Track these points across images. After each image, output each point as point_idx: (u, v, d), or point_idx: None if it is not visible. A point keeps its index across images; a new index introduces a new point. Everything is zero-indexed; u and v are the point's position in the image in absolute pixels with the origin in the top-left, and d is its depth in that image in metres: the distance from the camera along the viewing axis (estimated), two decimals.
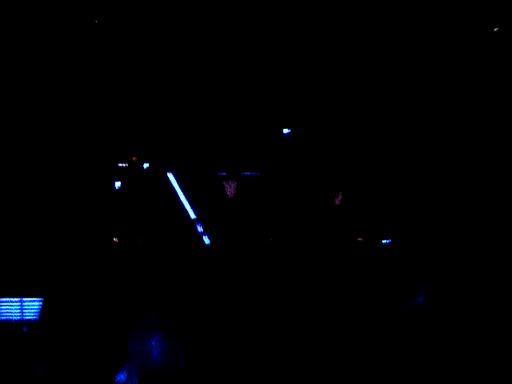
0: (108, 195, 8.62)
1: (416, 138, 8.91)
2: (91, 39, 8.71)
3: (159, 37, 8.95)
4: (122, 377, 6.80)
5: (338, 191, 8.57)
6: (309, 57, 9.04)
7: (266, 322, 7.71)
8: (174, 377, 7.04)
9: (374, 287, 8.13)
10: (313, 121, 9.10)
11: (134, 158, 8.86)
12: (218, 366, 7.21)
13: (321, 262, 8.31)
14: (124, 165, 8.81)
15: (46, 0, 8.41)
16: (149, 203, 8.71)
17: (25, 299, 7.68)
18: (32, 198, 8.28)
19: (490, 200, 8.48)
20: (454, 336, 7.59)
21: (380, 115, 9.03)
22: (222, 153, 9.00)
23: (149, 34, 8.90)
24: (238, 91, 9.12)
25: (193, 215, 8.67)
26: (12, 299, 7.66)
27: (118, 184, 8.70)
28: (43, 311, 7.73)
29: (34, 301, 7.70)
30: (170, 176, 8.74)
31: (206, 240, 8.45)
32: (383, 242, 8.51)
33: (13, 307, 7.64)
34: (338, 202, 8.53)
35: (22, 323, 7.62)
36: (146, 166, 8.88)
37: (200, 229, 8.44)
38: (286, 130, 9.04)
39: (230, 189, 8.47)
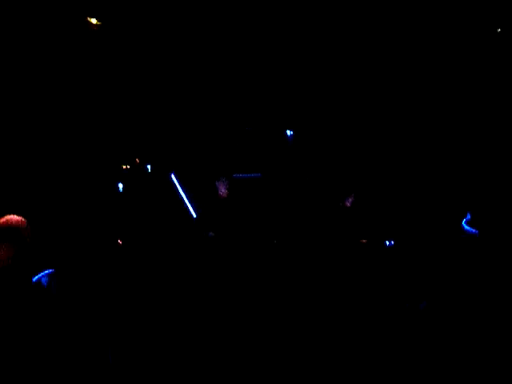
0: (111, 197, 8.64)
1: (419, 139, 8.91)
2: (94, 41, 8.73)
3: (161, 41, 8.98)
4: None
5: (348, 194, 8.55)
6: (312, 59, 9.05)
7: (269, 323, 7.70)
8: None
9: (377, 288, 8.10)
10: (315, 123, 9.10)
11: (136, 160, 8.88)
12: (217, 365, 7.20)
13: (324, 263, 8.29)
14: (127, 166, 8.83)
15: (47, 0, 8.45)
16: (152, 205, 8.72)
17: None
18: (35, 199, 8.30)
19: (492, 202, 8.45)
20: (457, 338, 7.55)
21: (382, 118, 9.03)
22: (225, 154, 9.01)
23: (151, 37, 8.93)
24: (242, 93, 9.14)
25: (195, 216, 8.67)
26: None
27: (121, 186, 8.72)
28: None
29: None
30: (173, 177, 8.75)
31: (209, 240, 8.45)
32: (386, 243, 8.49)
33: None
34: (348, 203, 8.50)
35: None
36: (149, 167, 8.90)
37: (209, 232, 8.42)
38: (289, 132, 9.05)
39: (232, 190, 8.45)
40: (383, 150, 9.00)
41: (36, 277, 5.58)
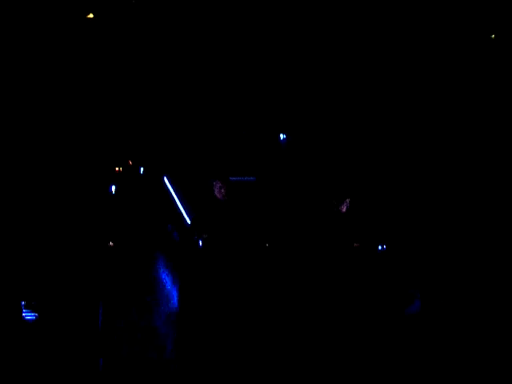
0: (103, 199, 8.61)
1: (410, 142, 8.92)
2: (86, 46, 8.72)
3: (155, 44, 8.97)
4: None
5: (343, 198, 8.55)
6: (305, 61, 9.05)
7: (261, 328, 7.68)
8: None
9: (370, 293, 8.10)
10: (309, 126, 9.10)
11: (129, 162, 8.85)
12: (214, 368, 7.20)
13: (316, 267, 8.28)
14: (120, 168, 8.80)
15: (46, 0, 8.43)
16: (144, 207, 8.69)
17: None
18: (27, 201, 8.26)
19: (486, 205, 8.47)
20: (450, 341, 7.57)
21: (376, 121, 9.03)
22: (219, 157, 8.99)
23: (144, 41, 8.92)
24: (235, 96, 9.12)
25: (188, 219, 8.65)
26: None
27: (113, 188, 8.68)
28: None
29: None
30: (166, 180, 8.73)
31: (201, 244, 8.43)
32: (379, 247, 8.48)
33: None
34: (343, 209, 8.50)
35: None
36: (141, 169, 8.87)
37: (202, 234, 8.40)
38: (282, 136, 9.04)
39: (226, 193, 8.43)
40: (377, 153, 9.00)
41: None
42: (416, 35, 8.88)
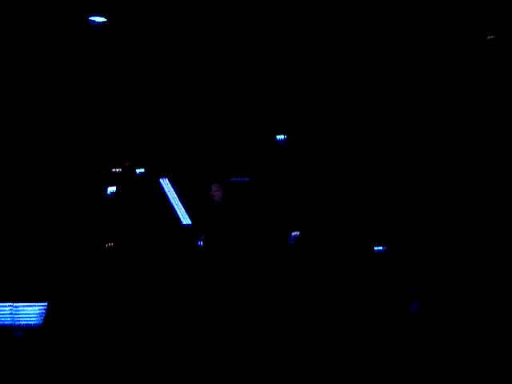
0: (101, 200, 8.59)
1: (408, 143, 8.93)
2: (85, 47, 8.71)
3: (154, 45, 8.96)
4: None
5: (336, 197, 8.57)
6: (302, 62, 9.05)
7: (260, 329, 7.68)
8: None
9: (369, 293, 8.11)
10: (307, 127, 9.10)
11: (126, 164, 8.84)
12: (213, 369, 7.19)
13: (315, 267, 8.29)
14: (117, 170, 8.79)
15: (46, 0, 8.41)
16: (142, 208, 8.68)
17: (16, 304, 7.62)
18: (24, 202, 8.24)
19: (485, 205, 8.49)
20: (449, 342, 7.57)
21: (374, 122, 9.04)
22: (216, 159, 8.99)
23: (144, 42, 8.91)
24: (233, 97, 9.13)
25: (186, 221, 8.64)
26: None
27: (111, 189, 8.67)
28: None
29: (27, 306, 7.64)
30: (163, 181, 8.71)
31: (200, 245, 8.43)
32: (378, 248, 8.51)
33: (4, 312, 7.58)
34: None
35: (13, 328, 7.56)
36: (139, 171, 8.86)
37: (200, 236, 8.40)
38: (280, 136, 9.04)
39: (224, 196, 8.44)
40: (376, 153, 9.01)
41: None
42: (416, 35, 8.89)
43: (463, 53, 8.86)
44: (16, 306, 7.60)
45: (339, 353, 7.49)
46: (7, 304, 7.60)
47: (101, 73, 8.87)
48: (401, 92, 9.06)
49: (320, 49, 9.07)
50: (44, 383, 6.90)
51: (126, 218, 8.72)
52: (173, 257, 8.39)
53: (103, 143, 8.78)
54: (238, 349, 7.48)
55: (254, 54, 9.07)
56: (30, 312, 7.57)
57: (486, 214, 8.42)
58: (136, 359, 7.31)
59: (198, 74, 9.09)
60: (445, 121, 8.85)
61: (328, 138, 9.09)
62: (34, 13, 8.41)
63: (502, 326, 7.47)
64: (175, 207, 8.67)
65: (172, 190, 8.66)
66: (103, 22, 8.64)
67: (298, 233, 8.58)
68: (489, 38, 8.71)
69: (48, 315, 7.60)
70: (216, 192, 8.25)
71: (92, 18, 8.52)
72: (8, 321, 7.54)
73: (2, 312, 7.56)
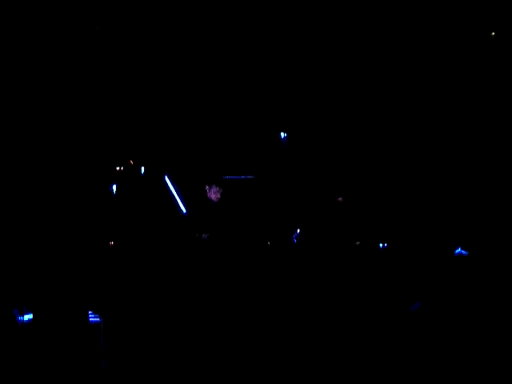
0: (104, 198, 8.61)
1: (412, 141, 8.90)
2: (87, 45, 8.72)
3: (156, 43, 8.97)
4: None
5: (338, 195, 8.56)
6: (305, 60, 9.05)
7: (262, 328, 7.69)
8: None
9: (371, 291, 8.09)
10: (310, 124, 9.09)
11: (130, 162, 8.85)
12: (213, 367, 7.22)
13: (318, 265, 8.28)
14: (121, 168, 8.80)
15: (46, 1, 8.43)
16: (145, 206, 8.69)
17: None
18: (27, 201, 8.26)
19: (488, 204, 8.46)
20: (452, 341, 7.55)
21: (377, 119, 9.02)
22: (219, 156, 9.00)
23: (145, 41, 8.92)
24: (236, 95, 9.13)
25: (189, 218, 8.65)
26: None
27: (114, 187, 8.68)
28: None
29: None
30: (167, 179, 8.72)
31: (203, 242, 8.44)
32: (380, 245, 8.49)
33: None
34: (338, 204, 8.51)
35: None
36: (142, 169, 8.87)
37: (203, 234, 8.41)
38: (283, 134, 9.04)
39: (221, 196, 8.45)
40: (378, 150, 8.99)
41: None
42: (416, 34, 8.87)
43: (464, 53, 8.83)
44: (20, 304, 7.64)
45: (342, 351, 7.49)
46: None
47: (106, 73, 8.89)
48: (407, 91, 9.04)
49: (327, 46, 9.06)
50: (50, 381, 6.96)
51: (130, 216, 8.73)
52: (176, 254, 8.40)
53: (107, 142, 8.80)
54: (241, 347, 7.49)
55: (259, 52, 9.07)
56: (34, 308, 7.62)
57: (491, 213, 8.39)
58: (140, 355, 7.34)
59: (203, 73, 9.09)
60: (453, 117, 8.83)
61: (332, 136, 9.08)
62: (35, 13, 8.43)
63: (505, 327, 7.44)
64: (179, 205, 8.68)
65: (174, 187, 8.67)
66: (107, 22, 8.66)
67: (300, 230, 8.58)
68: (492, 34, 8.67)
69: (49, 314, 7.64)
70: (213, 194, 8.31)
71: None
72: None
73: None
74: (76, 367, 7.08)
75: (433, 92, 8.92)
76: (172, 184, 8.74)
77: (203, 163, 8.95)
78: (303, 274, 8.21)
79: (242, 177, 8.90)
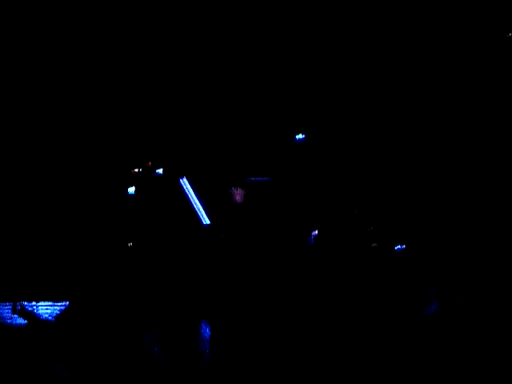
0: (121, 200, 8.65)
1: (432, 144, 8.87)
2: (103, 44, 8.76)
3: (171, 46, 9.00)
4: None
5: (356, 200, 8.54)
6: (323, 61, 9.04)
7: (273, 329, 7.69)
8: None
9: (389, 293, 8.07)
10: (327, 127, 9.08)
11: (148, 164, 8.88)
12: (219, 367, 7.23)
13: (334, 267, 8.27)
14: (138, 170, 8.83)
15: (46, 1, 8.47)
16: (162, 209, 8.72)
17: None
18: (44, 202, 8.33)
19: (505, 205, 8.41)
20: (468, 342, 7.51)
21: (395, 122, 8.99)
22: (236, 158, 9.01)
23: (160, 42, 8.95)
24: (254, 97, 9.14)
25: (206, 221, 8.66)
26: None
27: (131, 189, 8.72)
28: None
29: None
30: (183, 181, 8.75)
31: (220, 244, 8.45)
32: (397, 247, 8.45)
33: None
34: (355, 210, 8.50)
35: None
36: (159, 171, 8.89)
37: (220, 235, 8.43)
38: (299, 136, 9.03)
39: (244, 195, 8.46)
40: (396, 153, 8.96)
41: None
42: (426, 37, 8.84)
43: (465, 52, 8.79)
44: (36, 305, 7.71)
45: (359, 352, 7.48)
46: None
47: (123, 74, 8.94)
48: (425, 94, 9.01)
49: (342, 48, 9.05)
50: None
51: (148, 218, 8.76)
52: (193, 256, 8.42)
53: (124, 143, 8.84)
54: (255, 349, 7.50)
55: (274, 53, 9.07)
56: (50, 310, 7.67)
57: (505, 216, 8.34)
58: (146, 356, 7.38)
59: (220, 76, 9.11)
60: (466, 118, 8.79)
61: (348, 138, 9.06)
62: (35, 13, 8.48)
63: None
64: (195, 207, 8.70)
65: (191, 190, 8.69)
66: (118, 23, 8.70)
67: (317, 232, 8.57)
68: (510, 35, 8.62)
69: (68, 313, 7.69)
70: (236, 196, 8.30)
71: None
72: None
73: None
74: (86, 369, 7.14)
75: (453, 98, 8.89)
76: (190, 186, 8.76)
77: (220, 165, 8.96)
78: (321, 276, 8.21)
79: (265, 179, 8.91)
